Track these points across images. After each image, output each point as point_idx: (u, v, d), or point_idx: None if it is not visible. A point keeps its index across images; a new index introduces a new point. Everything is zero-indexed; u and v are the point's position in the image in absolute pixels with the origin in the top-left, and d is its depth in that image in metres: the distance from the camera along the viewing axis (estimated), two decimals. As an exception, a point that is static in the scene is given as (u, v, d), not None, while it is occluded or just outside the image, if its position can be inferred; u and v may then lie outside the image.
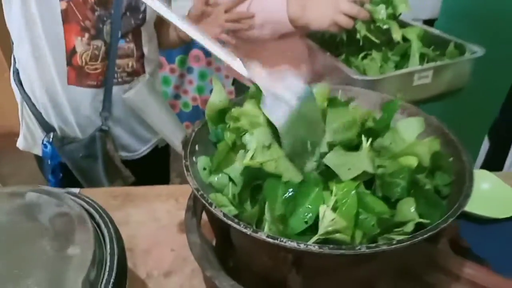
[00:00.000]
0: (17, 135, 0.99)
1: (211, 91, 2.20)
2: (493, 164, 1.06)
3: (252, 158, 0.46)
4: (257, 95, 0.54)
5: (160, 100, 0.48)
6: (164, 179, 1.19)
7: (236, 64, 0.48)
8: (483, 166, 1.09)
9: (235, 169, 0.48)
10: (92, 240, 0.37)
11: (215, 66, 2.23)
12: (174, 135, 0.49)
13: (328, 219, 0.38)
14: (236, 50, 1.07)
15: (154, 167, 1.10)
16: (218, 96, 0.57)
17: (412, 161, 0.46)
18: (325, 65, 0.92)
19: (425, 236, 0.37)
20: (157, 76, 1.03)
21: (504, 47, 1.22)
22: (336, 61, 0.86)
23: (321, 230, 0.39)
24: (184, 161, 0.48)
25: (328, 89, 0.54)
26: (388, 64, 0.88)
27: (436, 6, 1.92)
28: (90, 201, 0.46)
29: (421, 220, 0.39)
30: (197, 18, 0.93)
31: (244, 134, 0.51)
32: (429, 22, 1.98)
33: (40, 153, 0.95)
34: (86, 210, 0.45)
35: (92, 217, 0.44)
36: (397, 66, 0.87)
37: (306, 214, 0.41)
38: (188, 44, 1.78)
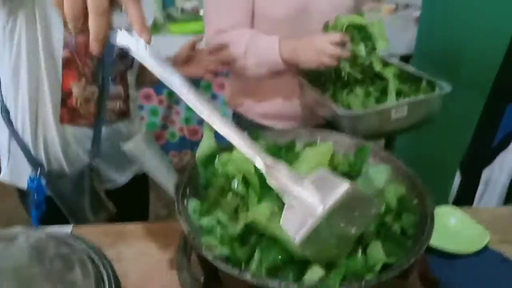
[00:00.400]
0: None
1: (197, 121, 2.28)
2: (465, 197, 1.13)
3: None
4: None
5: (156, 151, 0.53)
6: (144, 206, 1.22)
7: (255, 156, 0.44)
8: (456, 199, 1.16)
9: (224, 213, 0.53)
10: (93, 285, 0.40)
11: (203, 98, 2.30)
12: (167, 180, 0.54)
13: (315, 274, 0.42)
14: (235, 88, 1.17)
15: (134, 195, 1.13)
16: (208, 141, 0.63)
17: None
18: (314, 100, 1.00)
19: (392, 275, 0.42)
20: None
21: (472, 83, 1.31)
22: (323, 97, 0.95)
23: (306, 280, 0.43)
24: (176, 205, 0.52)
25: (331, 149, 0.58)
26: (369, 99, 0.97)
27: (411, 42, 2.06)
28: (89, 243, 0.50)
29: (387, 260, 0.44)
30: (184, 61, 1.01)
31: (233, 179, 0.57)
32: (406, 57, 2.11)
33: (25, 187, 0.96)
34: (86, 252, 0.49)
35: (91, 259, 0.48)
36: (378, 101, 0.96)
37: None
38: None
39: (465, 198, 1.13)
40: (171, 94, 2.26)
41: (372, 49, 0.94)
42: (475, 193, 1.11)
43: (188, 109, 2.30)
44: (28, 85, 0.87)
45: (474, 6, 1.31)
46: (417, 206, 0.54)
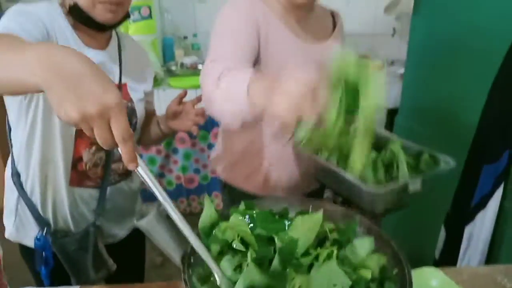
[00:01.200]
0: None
1: (194, 170, 2.35)
2: (450, 251, 1.19)
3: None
4: (244, 211, 0.68)
5: (166, 226, 0.59)
6: (140, 255, 1.26)
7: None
8: (441, 254, 1.22)
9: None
10: None
11: (199, 147, 2.38)
12: (175, 252, 0.59)
13: None
14: (225, 160, 1.16)
15: (131, 245, 1.17)
16: (209, 211, 0.70)
17: (368, 274, 0.59)
18: (318, 169, 0.95)
19: None
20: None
21: (454, 140, 1.39)
22: (337, 168, 0.86)
23: None
24: (183, 275, 0.58)
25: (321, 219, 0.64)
26: (379, 171, 0.91)
27: (398, 97, 2.19)
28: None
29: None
30: (173, 116, 1.06)
31: (232, 243, 0.63)
32: (392, 111, 2.23)
33: (30, 244, 1.00)
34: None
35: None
36: (387, 172, 0.91)
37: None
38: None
39: (450, 253, 1.18)
40: (169, 144, 2.34)
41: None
42: (459, 248, 1.17)
43: (185, 158, 2.39)
44: (42, 151, 0.93)
45: (453, 67, 1.42)
46: (397, 275, 0.60)
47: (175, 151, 2.38)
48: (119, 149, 0.49)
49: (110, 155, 0.99)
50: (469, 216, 1.14)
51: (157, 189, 0.53)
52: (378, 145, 0.98)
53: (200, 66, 2.40)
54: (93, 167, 0.97)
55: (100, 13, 0.87)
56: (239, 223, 0.66)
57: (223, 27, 0.93)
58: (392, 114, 2.26)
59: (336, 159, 0.91)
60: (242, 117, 0.74)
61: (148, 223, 0.58)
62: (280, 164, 1.07)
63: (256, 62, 0.95)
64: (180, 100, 1.05)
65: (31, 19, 0.82)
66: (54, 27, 0.86)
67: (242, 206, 0.70)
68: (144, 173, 0.52)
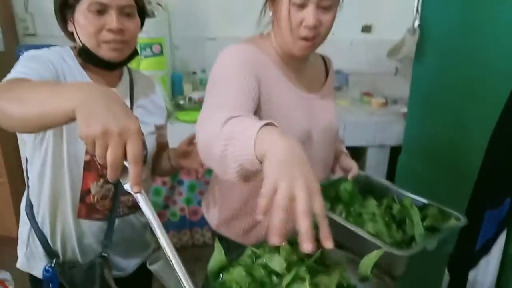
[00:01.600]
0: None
1: (198, 202, 2.37)
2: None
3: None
4: (247, 263, 0.70)
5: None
6: None
7: None
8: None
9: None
10: None
11: (204, 179, 2.41)
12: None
13: None
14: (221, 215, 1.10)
15: (139, 282, 1.18)
16: (218, 256, 0.72)
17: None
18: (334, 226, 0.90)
19: None
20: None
21: (458, 180, 1.41)
22: (354, 227, 0.82)
23: None
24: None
25: None
26: (392, 228, 0.88)
27: (400, 135, 2.23)
28: None
29: None
30: (181, 155, 1.11)
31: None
32: (395, 148, 2.26)
33: (39, 275, 1.02)
34: None
35: None
36: (400, 228, 0.89)
37: None
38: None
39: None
40: (175, 175, 2.37)
41: None
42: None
43: (190, 190, 2.41)
44: (51, 184, 0.97)
45: (454, 109, 1.46)
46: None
47: (180, 182, 2.40)
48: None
49: (118, 187, 1.01)
50: (473, 261, 1.14)
51: (154, 221, 0.57)
52: (379, 193, 0.99)
53: (207, 101, 2.46)
54: (101, 200, 1.00)
55: (106, 52, 0.92)
56: (242, 274, 0.68)
57: (224, 75, 0.90)
58: (394, 151, 2.30)
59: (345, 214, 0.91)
60: (244, 166, 0.62)
61: (160, 267, 0.60)
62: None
63: (256, 111, 0.92)
64: (190, 141, 1.09)
65: (42, 63, 0.88)
66: (63, 68, 0.92)
67: (248, 252, 0.73)
68: (144, 201, 0.56)
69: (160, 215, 2.43)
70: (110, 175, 0.56)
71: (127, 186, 0.57)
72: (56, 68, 0.90)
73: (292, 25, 0.90)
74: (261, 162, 0.57)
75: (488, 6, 1.27)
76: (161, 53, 2.30)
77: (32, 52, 0.91)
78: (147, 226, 1.17)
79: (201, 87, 2.64)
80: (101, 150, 0.54)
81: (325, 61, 1.14)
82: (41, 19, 2.55)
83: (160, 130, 1.14)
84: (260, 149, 0.57)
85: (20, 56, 0.91)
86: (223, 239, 1.08)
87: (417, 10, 1.60)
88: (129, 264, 1.13)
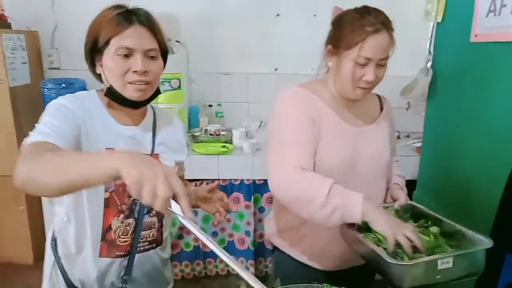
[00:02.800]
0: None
1: (212, 233, 2.40)
2: None
3: None
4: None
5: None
6: None
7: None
8: None
9: None
10: None
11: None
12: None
13: None
14: (277, 225, 1.28)
15: None
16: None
17: None
18: (356, 241, 1.02)
19: None
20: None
21: (474, 221, 1.40)
22: (371, 244, 0.95)
23: None
24: None
25: None
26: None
27: (414, 169, 2.24)
28: None
29: None
30: (201, 199, 1.12)
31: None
32: (409, 182, 2.26)
33: None
34: None
35: None
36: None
37: None
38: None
39: None
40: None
41: None
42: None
43: (204, 221, 2.43)
44: (76, 222, 1.00)
45: (468, 149, 1.47)
46: None
47: (195, 213, 2.42)
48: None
49: (139, 221, 1.03)
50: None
51: (207, 240, 0.64)
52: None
53: (223, 133, 2.52)
54: (122, 235, 1.02)
55: (131, 93, 0.97)
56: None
57: (290, 131, 1.08)
58: (408, 185, 2.30)
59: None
60: (344, 221, 0.99)
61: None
62: (337, 240, 1.12)
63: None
64: (212, 190, 1.12)
65: (65, 118, 0.92)
66: (90, 111, 0.98)
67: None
68: (192, 226, 0.64)
69: (174, 245, 2.46)
70: (161, 207, 0.62)
71: (182, 219, 0.65)
72: (78, 119, 0.94)
73: (354, 79, 1.05)
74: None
75: (497, 50, 1.31)
76: (179, 87, 2.39)
77: (56, 104, 0.95)
78: (167, 262, 1.19)
79: (217, 120, 2.71)
80: (150, 190, 0.62)
81: (380, 99, 1.28)
82: (65, 54, 2.68)
83: (179, 165, 1.18)
84: (364, 216, 0.95)
85: (47, 105, 0.95)
86: (275, 251, 1.28)
87: (429, 52, 1.66)
88: None
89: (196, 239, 2.47)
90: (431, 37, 1.67)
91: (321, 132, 1.09)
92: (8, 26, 2.42)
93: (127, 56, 0.94)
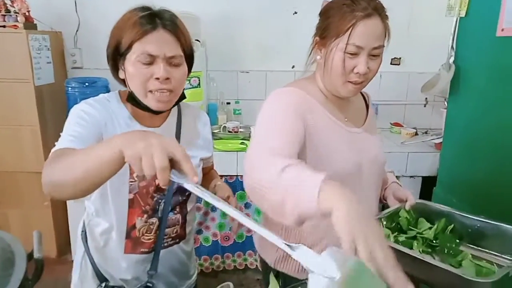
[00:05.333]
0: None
1: (230, 228, 2.42)
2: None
3: None
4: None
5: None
6: None
7: (279, 242, 0.55)
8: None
9: None
10: None
11: (238, 206, 2.46)
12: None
13: None
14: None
15: None
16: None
17: None
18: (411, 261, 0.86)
19: None
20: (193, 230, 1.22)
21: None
22: (433, 260, 0.87)
23: None
24: None
25: None
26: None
27: (433, 166, 2.23)
28: None
29: None
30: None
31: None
32: (428, 179, 2.25)
33: None
34: None
35: None
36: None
37: None
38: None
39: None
40: (208, 202, 2.43)
41: None
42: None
43: (223, 216, 2.47)
44: (102, 222, 1.04)
45: (490, 143, 1.46)
46: None
47: (213, 209, 2.46)
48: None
49: (163, 219, 1.05)
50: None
51: (213, 200, 0.62)
52: (437, 218, 1.07)
53: (241, 130, 2.55)
54: (146, 233, 1.05)
55: (152, 103, 0.95)
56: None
57: (274, 119, 0.94)
58: (426, 182, 2.29)
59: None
60: (303, 215, 0.67)
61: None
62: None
63: (301, 151, 0.95)
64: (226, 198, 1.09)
65: (87, 125, 0.93)
66: (112, 114, 0.98)
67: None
68: (200, 190, 0.62)
69: (193, 240, 2.50)
70: (162, 180, 0.61)
71: (185, 185, 0.62)
72: (100, 123, 0.95)
73: (344, 71, 0.95)
74: (323, 214, 0.63)
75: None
76: (198, 85, 2.42)
77: (79, 110, 0.96)
78: (191, 254, 1.21)
79: (235, 117, 2.73)
80: (147, 161, 0.61)
81: (364, 97, 1.19)
82: (88, 54, 2.74)
83: (206, 159, 1.19)
84: (324, 203, 0.63)
85: (70, 111, 0.97)
86: (280, 275, 1.09)
87: (452, 47, 1.65)
88: None
89: (215, 234, 2.50)
90: (454, 32, 1.65)
91: (319, 135, 0.99)
92: (34, 27, 2.49)
93: (149, 63, 0.91)
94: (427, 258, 0.87)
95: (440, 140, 2.02)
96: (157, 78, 0.91)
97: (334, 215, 0.60)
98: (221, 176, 1.44)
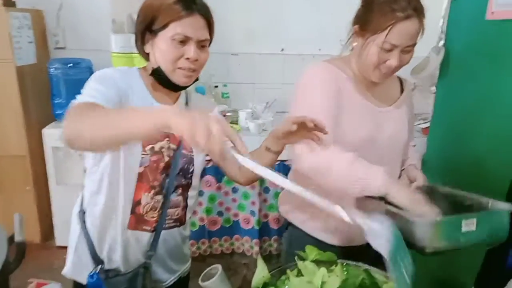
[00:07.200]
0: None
1: (217, 212, 2.43)
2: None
3: None
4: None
5: (227, 286, 0.65)
6: None
7: (336, 209, 0.69)
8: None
9: None
10: None
11: (224, 190, 2.45)
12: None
13: None
14: (290, 201, 1.27)
15: None
16: (261, 272, 0.76)
17: None
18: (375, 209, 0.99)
19: None
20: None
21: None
22: (393, 209, 0.94)
23: None
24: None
25: None
26: None
27: (421, 151, 2.24)
28: None
29: None
30: (286, 134, 1.01)
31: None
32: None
33: (83, 282, 1.08)
34: None
35: None
36: None
37: None
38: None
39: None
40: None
41: None
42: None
43: (210, 200, 2.45)
44: (107, 195, 1.03)
45: (479, 126, 1.46)
46: None
47: (200, 193, 2.44)
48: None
49: (167, 199, 1.06)
50: (502, 279, 1.14)
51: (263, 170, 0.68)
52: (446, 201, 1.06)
53: (229, 114, 2.51)
54: (150, 211, 1.05)
55: (179, 78, 1.01)
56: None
57: (310, 94, 1.10)
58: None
59: None
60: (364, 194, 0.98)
61: (213, 283, 0.64)
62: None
63: None
64: (296, 121, 0.98)
65: (108, 85, 0.96)
66: (131, 85, 1.02)
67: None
68: (250, 161, 0.68)
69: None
70: (218, 143, 0.63)
71: (236, 156, 0.68)
72: (121, 89, 0.98)
73: (377, 63, 1.05)
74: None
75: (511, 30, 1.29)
76: (186, 67, 2.37)
77: (101, 72, 1.01)
78: (186, 240, 1.22)
79: (223, 101, 2.70)
80: (204, 128, 0.63)
81: (401, 81, 1.28)
82: (71, 34, 2.66)
83: None
84: (386, 188, 0.95)
85: (92, 75, 1.00)
86: (290, 227, 1.29)
87: (442, 30, 1.63)
88: (169, 277, 1.17)
89: (202, 219, 2.50)
90: (444, 15, 1.63)
91: (343, 107, 1.10)
92: (12, 4, 2.40)
93: (182, 42, 0.97)
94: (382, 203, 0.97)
95: (427, 125, 2.02)
96: (187, 58, 0.98)
97: (391, 196, 0.94)
98: (209, 160, 1.42)
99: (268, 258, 2.58)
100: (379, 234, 0.68)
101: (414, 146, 1.39)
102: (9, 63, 2.31)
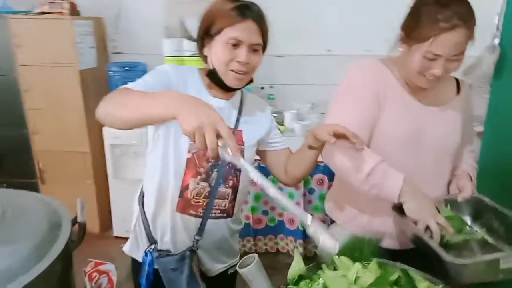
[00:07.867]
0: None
1: (262, 211, 2.46)
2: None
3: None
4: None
5: (263, 274, 0.69)
6: None
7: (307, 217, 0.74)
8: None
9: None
10: None
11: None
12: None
13: None
14: (336, 199, 1.30)
15: (222, 285, 1.27)
16: (297, 264, 0.79)
17: None
18: (412, 232, 1.01)
19: None
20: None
21: None
22: (424, 234, 0.95)
23: None
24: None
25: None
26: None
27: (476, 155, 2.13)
28: None
29: None
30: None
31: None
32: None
33: (139, 259, 1.17)
34: None
35: None
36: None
37: None
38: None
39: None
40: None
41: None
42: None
43: (255, 199, 2.51)
44: (160, 178, 1.11)
45: None
46: None
47: (246, 192, 2.50)
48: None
49: (214, 187, 1.11)
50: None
51: (255, 174, 0.75)
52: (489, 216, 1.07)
53: (274, 115, 2.54)
54: (196, 196, 1.10)
55: (230, 80, 1.07)
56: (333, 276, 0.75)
57: (349, 92, 1.12)
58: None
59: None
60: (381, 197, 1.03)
61: (249, 271, 0.68)
62: (388, 214, 1.12)
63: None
64: (336, 133, 0.98)
65: (158, 77, 1.06)
66: (186, 80, 1.10)
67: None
68: (244, 163, 0.75)
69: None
70: (212, 153, 0.72)
71: (228, 157, 0.74)
72: (172, 85, 1.07)
73: (421, 70, 1.03)
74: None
75: None
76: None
77: (160, 66, 1.10)
78: (235, 234, 1.26)
79: (268, 102, 2.73)
80: (200, 139, 0.72)
81: (458, 82, 1.22)
82: (127, 39, 2.85)
83: (271, 139, 1.23)
84: (400, 197, 0.99)
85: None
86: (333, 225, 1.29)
87: (497, 28, 1.56)
88: (214, 267, 1.21)
89: (248, 217, 2.56)
90: (500, 11, 1.55)
91: (385, 104, 1.10)
92: (77, 13, 2.62)
93: (235, 45, 1.03)
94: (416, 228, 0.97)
95: (482, 128, 1.92)
96: (239, 61, 1.04)
97: (405, 206, 0.99)
98: (256, 159, 1.46)
99: (312, 259, 2.58)
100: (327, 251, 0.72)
101: (473, 151, 1.31)
102: (73, 67, 2.52)
